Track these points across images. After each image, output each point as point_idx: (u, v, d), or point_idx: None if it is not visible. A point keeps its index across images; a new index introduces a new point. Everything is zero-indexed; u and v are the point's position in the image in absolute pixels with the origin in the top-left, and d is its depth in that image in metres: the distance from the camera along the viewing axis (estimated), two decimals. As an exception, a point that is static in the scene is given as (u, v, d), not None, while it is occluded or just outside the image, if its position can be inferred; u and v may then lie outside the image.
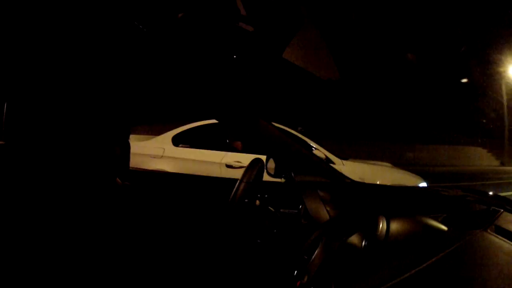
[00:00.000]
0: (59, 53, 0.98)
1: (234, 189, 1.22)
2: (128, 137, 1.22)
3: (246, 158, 3.45)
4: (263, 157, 1.39)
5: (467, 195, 1.29)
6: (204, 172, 3.41)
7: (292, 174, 1.29)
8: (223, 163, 3.57)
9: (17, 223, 0.88)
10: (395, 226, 0.91)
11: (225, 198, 1.21)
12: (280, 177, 1.42)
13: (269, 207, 1.40)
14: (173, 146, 3.68)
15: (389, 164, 4.43)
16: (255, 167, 1.28)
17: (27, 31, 0.88)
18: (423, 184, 3.80)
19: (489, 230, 0.87)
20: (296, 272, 0.99)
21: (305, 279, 0.92)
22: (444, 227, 0.92)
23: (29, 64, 0.96)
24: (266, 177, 1.39)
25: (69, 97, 1.07)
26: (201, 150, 3.69)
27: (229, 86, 1.29)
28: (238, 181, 1.24)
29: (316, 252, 0.95)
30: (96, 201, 1.03)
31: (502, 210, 1.05)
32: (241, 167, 3.43)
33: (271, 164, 1.41)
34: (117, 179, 1.19)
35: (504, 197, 1.27)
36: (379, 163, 4.39)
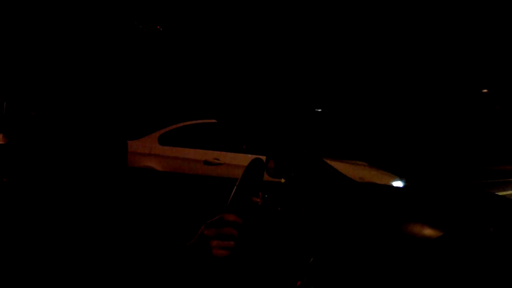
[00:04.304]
0: (58, 52, 0.98)
1: (234, 189, 1.21)
2: (125, 136, 1.22)
3: (224, 156, 3.79)
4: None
5: (468, 195, 1.30)
6: (186, 168, 3.76)
7: (293, 174, 1.29)
8: (203, 160, 3.82)
9: (18, 219, 0.88)
10: (395, 226, 0.92)
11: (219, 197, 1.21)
12: (280, 177, 1.42)
13: (272, 207, 1.40)
14: (159, 145, 3.89)
15: (364, 163, 4.51)
16: (255, 167, 1.28)
17: (26, 31, 0.88)
18: (398, 183, 3.88)
19: (489, 230, 0.87)
20: (296, 272, 0.99)
21: (305, 279, 0.93)
22: (444, 227, 0.92)
23: (28, 64, 0.96)
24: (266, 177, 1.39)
25: (67, 96, 1.07)
26: (183, 148, 3.98)
27: (231, 86, 1.28)
28: (238, 181, 1.24)
29: (315, 252, 0.95)
30: (94, 198, 1.03)
31: (502, 211, 1.05)
32: (218, 164, 3.71)
33: (271, 164, 1.41)
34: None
35: (503, 196, 1.28)
36: (354, 162, 4.46)
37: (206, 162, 3.90)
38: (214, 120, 4.21)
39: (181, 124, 4.21)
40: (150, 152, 4.00)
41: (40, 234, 0.90)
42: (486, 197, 1.31)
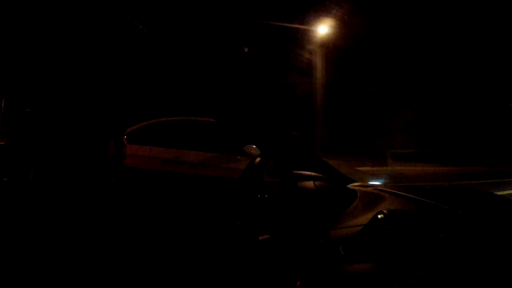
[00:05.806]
0: (58, 52, 0.98)
1: (234, 189, 1.21)
2: (123, 135, 1.22)
3: (185, 155, 3.75)
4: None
5: (467, 195, 1.30)
6: (150, 166, 3.67)
7: (292, 174, 1.28)
8: (166, 158, 3.85)
9: (17, 220, 0.88)
10: (394, 225, 0.91)
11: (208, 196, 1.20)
12: (280, 177, 1.42)
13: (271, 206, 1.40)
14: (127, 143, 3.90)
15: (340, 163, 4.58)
16: (255, 167, 1.28)
17: (28, 31, 0.87)
18: (376, 183, 3.96)
19: (486, 230, 0.87)
20: (296, 272, 0.99)
21: (305, 279, 0.92)
22: (443, 227, 0.92)
23: (29, 64, 0.96)
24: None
25: (67, 95, 1.07)
26: (148, 146, 3.94)
27: (230, 86, 1.28)
28: (238, 180, 1.24)
29: (316, 252, 0.95)
30: (92, 198, 1.02)
31: (501, 210, 1.05)
32: (181, 162, 3.72)
33: (271, 164, 1.41)
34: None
35: (503, 196, 1.27)
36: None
37: (170, 160, 3.87)
38: (185, 118, 4.12)
39: (149, 122, 4.11)
40: None
41: (40, 233, 0.90)
42: (485, 196, 1.31)
